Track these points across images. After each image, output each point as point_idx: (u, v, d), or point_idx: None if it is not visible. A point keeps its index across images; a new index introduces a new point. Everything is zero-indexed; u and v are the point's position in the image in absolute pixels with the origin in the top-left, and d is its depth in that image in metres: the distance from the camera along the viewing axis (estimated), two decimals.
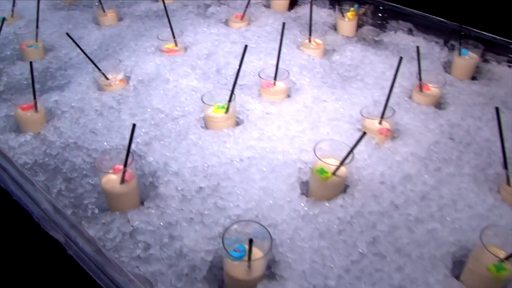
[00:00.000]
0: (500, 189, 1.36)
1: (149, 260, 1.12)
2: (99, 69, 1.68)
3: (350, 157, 1.24)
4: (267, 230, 1.06)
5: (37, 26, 1.97)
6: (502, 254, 1.06)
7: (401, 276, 1.11)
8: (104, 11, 2.20)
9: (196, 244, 1.16)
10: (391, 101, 1.57)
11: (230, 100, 1.50)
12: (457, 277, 1.13)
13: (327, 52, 2.04)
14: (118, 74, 1.72)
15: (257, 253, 1.04)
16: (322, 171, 1.27)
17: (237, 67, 1.53)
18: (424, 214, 1.27)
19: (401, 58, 1.49)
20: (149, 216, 1.22)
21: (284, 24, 1.69)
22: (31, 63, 1.53)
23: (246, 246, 1.02)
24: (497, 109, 1.31)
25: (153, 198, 1.28)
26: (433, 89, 1.71)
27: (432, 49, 2.04)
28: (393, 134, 1.54)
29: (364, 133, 1.19)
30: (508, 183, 1.34)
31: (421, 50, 1.96)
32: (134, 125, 1.20)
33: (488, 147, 1.52)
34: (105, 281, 0.99)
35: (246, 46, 1.50)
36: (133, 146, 1.33)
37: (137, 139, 1.47)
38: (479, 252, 1.08)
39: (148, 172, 1.37)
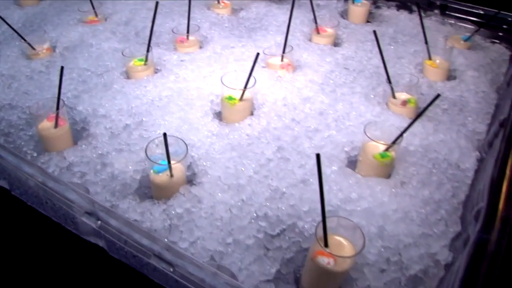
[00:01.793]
0: (388, 102, 1.57)
1: (85, 185, 1.25)
2: (25, 40, 1.77)
3: (252, 82, 1.43)
4: (181, 139, 1.23)
5: None
6: (384, 144, 1.25)
7: (303, 171, 1.29)
8: None
9: (126, 166, 1.31)
10: (293, 43, 1.78)
11: (148, 51, 1.65)
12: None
13: (234, 11, 2.22)
14: (44, 43, 1.82)
15: (177, 166, 1.21)
16: (230, 98, 1.45)
17: (153, 27, 1.66)
18: (321, 125, 1.46)
19: (293, 1, 1.69)
20: (83, 152, 1.35)
21: None
22: None
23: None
24: (374, 32, 1.53)
25: (85, 137, 1.41)
26: (329, 30, 1.93)
27: (330, 1, 2.24)
28: (294, 69, 1.73)
29: (258, 54, 1.39)
30: (393, 95, 1.55)
31: (321, 3, 2.19)
32: (62, 68, 1.32)
33: (378, 72, 1.72)
34: (54, 196, 1.11)
35: (157, 3, 1.65)
36: (64, 98, 1.47)
37: (67, 94, 1.57)
38: (366, 145, 1.28)
39: (79, 119, 1.49)
